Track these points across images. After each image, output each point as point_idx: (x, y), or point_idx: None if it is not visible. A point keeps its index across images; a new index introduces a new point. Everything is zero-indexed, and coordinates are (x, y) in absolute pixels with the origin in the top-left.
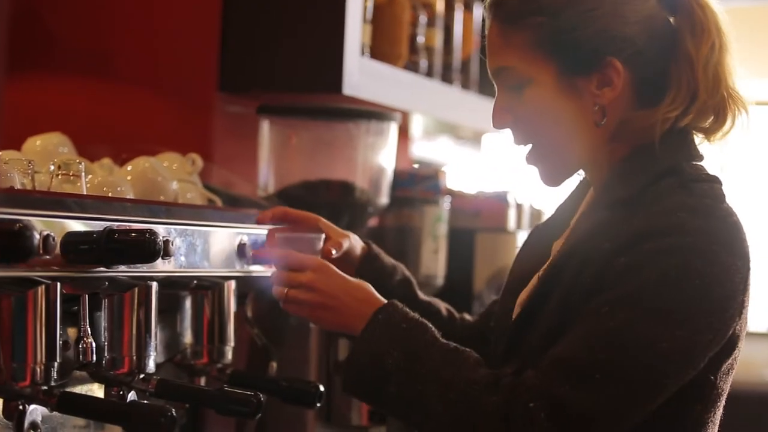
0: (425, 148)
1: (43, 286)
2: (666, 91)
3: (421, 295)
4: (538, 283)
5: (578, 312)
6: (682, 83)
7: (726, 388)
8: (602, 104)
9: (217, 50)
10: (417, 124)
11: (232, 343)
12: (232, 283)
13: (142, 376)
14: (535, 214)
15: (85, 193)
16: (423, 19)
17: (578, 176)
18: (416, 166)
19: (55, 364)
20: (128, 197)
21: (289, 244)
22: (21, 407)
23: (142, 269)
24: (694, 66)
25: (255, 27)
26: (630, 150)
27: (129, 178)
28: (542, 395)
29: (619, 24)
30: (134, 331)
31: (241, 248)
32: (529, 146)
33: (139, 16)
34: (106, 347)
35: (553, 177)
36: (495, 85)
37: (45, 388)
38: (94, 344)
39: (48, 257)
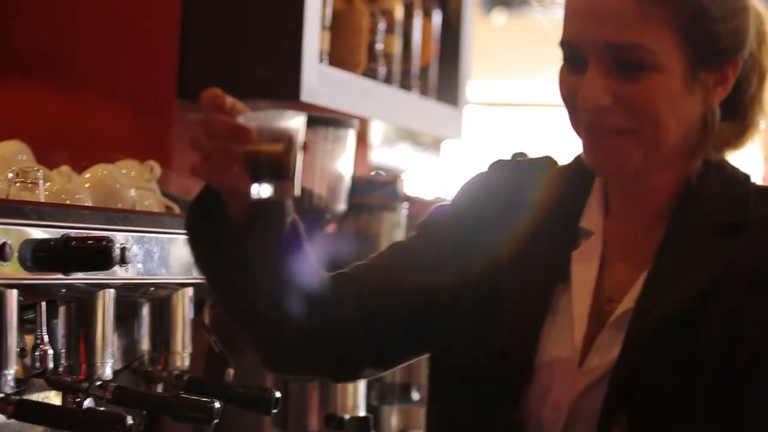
0: (384, 155)
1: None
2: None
3: None
4: (657, 328)
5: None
6: (756, 99)
7: None
8: (712, 104)
9: (176, 57)
10: (376, 131)
11: (189, 350)
12: (190, 290)
13: (99, 383)
14: None
15: (43, 200)
16: (382, 26)
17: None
18: (374, 173)
19: (12, 372)
20: (86, 205)
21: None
22: None
23: (99, 276)
24: (764, 81)
25: (214, 34)
26: (703, 164)
27: (87, 185)
28: None
29: (748, 24)
30: (91, 338)
31: None
32: (624, 130)
33: (98, 23)
34: (63, 354)
35: (630, 167)
36: (591, 60)
37: (2, 395)
38: (51, 351)
39: (5, 264)
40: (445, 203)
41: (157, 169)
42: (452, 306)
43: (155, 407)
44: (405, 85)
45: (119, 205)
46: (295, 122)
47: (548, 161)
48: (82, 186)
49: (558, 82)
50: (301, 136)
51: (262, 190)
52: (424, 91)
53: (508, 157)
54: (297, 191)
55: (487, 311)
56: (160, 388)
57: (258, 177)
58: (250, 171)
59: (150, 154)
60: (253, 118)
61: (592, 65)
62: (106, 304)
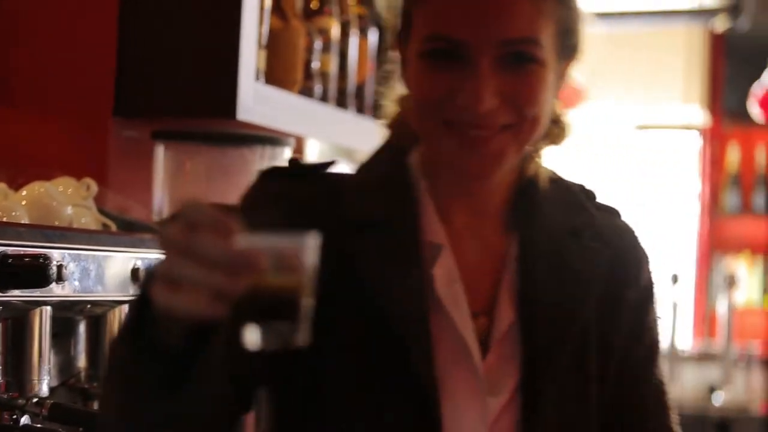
0: None
1: None
2: None
3: None
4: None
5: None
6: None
7: None
8: (557, 98)
9: (112, 74)
10: (312, 149)
11: None
12: (126, 308)
13: (35, 400)
14: None
15: None
16: (318, 44)
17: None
18: None
19: None
20: (23, 222)
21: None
22: None
23: (35, 294)
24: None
25: (150, 52)
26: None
27: (24, 203)
28: None
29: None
30: (28, 355)
31: (135, 272)
32: (506, 127)
33: (34, 39)
34: None
35: (506, 165)
36: (481, 58)
37: None
38: None
39: None
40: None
41: (94, 187)
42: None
43: (91, 424)
44: (341, 103)
45: (56, 223)
46: (307, 243)
47: (337, 167)
48: (18, 203)
49: (415, 80)
50: (314, 261)
51: (260, 337)
52: (360, 109)
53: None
54: (307, 339)
55: (367, 356)
56: (96, 405)
57: (258, 319)
58: (248, 311)
59: (86, 171)
60: (253, 239)
61: (482, 63)
62: (42, 321)
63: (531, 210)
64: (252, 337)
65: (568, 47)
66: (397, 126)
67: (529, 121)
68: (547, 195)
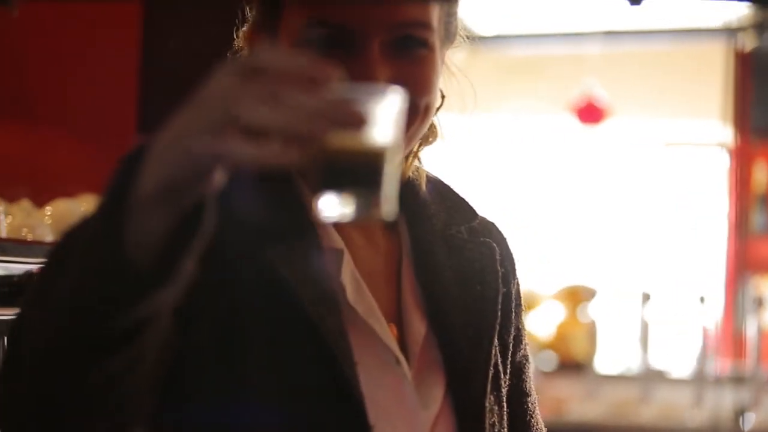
0: None
1: None
2: None
3: None
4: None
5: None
6: None
7: None
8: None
9: (135, 93)
10: None
11: None
12: None
13: None
14: None
15: (4, 236)
16: None
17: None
18: None
19: None
20: (47, 240)
21: None
22: None
23: None
24: None
25: (173, 68)
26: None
27: (48, 220)
28: None
29: None
30: None
31: None
32: None
33: (60, 61)
34: None
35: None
36: (370, 44)
37: None
38: None
39: None
40: None
41: None
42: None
43: None
44: None
45: None
46: (393, 101)
47: None
48: (42, 221)
49: None
50: (401, 121)
51: (339, 204)
52: None
53: None
54: (390, 210)
55: (291, 372)
56: None
57: (337, 185)
58: (326, 174)
59: None
60: (341, 89)
61: (371, 50)
62: None
63: (416, 209)
64: (328, 206)
65: (450, 32)
66: None
67: (422, 111)
68: (430, 194)
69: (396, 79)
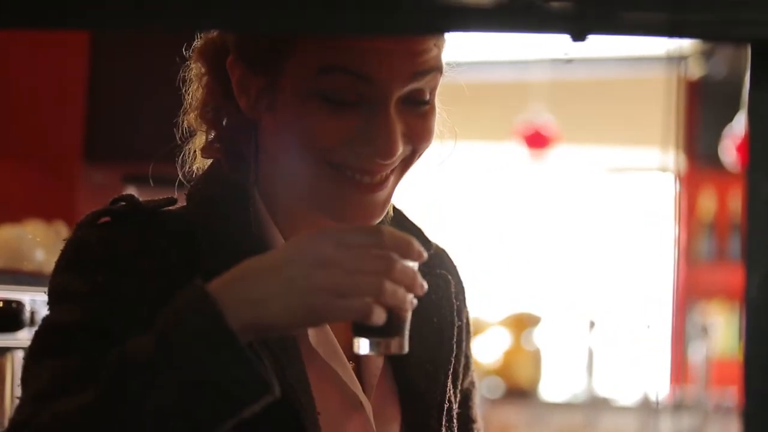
0: None
1: None
2: None
3: None
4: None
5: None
6: None
7: None
8: None
9: (81, 119)
10: None
11: None
12: None
13: None
14: None
15: None
16: None
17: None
18: None
19: None
20: None
21: None
22: None
23: (6, 339)
24: None
25: (120, 96)
26: None
27: None
28: None
29: None
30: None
31: None
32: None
33: (6, 86)
34: None
35: (390, 201)
36: (389, 100)
37: None
38: None
39: None
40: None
41: (64, 231)
42: None
43: None
44: None
45: (26, 266)
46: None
47: (171, 204)
48: None
49: (306, 120)
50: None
51: (370, 346)
52: None
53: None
54: (405, 348)
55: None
56: None
57: (367, 331)
58: (362, 324)
59: (56, 214)
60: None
61: (390, 104)
62: (14, 366)
63: None
64: (361, 346)
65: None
66: (228, 156)
67: (418, 155)
68: (389, 222)
69: (406, 133)
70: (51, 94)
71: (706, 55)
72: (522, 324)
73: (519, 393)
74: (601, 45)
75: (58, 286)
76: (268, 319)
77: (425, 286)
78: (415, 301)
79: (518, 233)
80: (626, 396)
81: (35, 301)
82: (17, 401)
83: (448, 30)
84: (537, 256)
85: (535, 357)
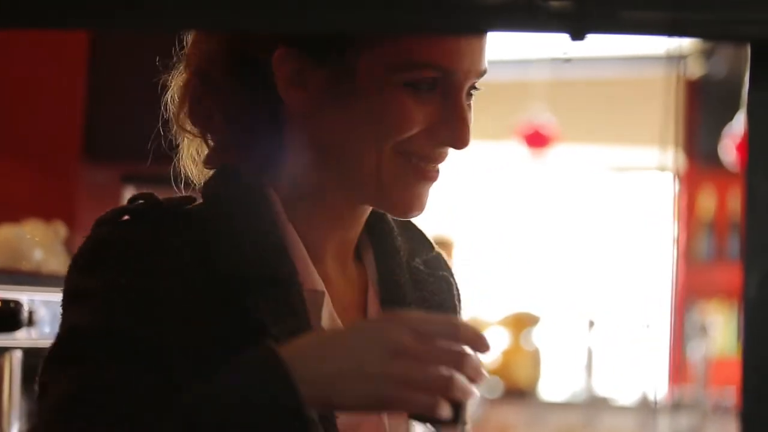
0: None
1: None
2: None
3: None
4: None
5: None
6: None
7: None
8: None
9: (80, 119)
10: None
11: None
12: None
13: None
14: None
15: None
16: None
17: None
18: None
19: None
20: None
21: None
22: None
23: (5, 338)
24: None
25: (119, 95)
26: None
27: None
28: None
29: None
30: None
31: None
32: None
33: (5, 86)
34: None
35: None
36: (461, 92)
37: None
38: None
39: None
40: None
41: (63, 230)
42: None
43: None
44: None
45: (24, 266)
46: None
47: (190, 203)
48: None
49: (401, 115)
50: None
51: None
52: None
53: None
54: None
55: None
56: None
57: (427, 419)
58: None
59: (55, 214)
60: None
61: (462, 96)
62: (12, 366)
63: (385, 239)
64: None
65: None
66: (246, 157)
67: None
68: (395, 224)
69: None
70: (50, 94)
71: (707, 55)
72: (521, 324)
73: (518, 393)
74: (601, 44)
75: (78, 287)
76: (336, 399)
77: (486, 375)
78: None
79: (518, 233)
80: (625, 396)
81: (33, 301)
82: (31, 406)
83: (449, 30)
84: (536, 256)
85: (534, 357)
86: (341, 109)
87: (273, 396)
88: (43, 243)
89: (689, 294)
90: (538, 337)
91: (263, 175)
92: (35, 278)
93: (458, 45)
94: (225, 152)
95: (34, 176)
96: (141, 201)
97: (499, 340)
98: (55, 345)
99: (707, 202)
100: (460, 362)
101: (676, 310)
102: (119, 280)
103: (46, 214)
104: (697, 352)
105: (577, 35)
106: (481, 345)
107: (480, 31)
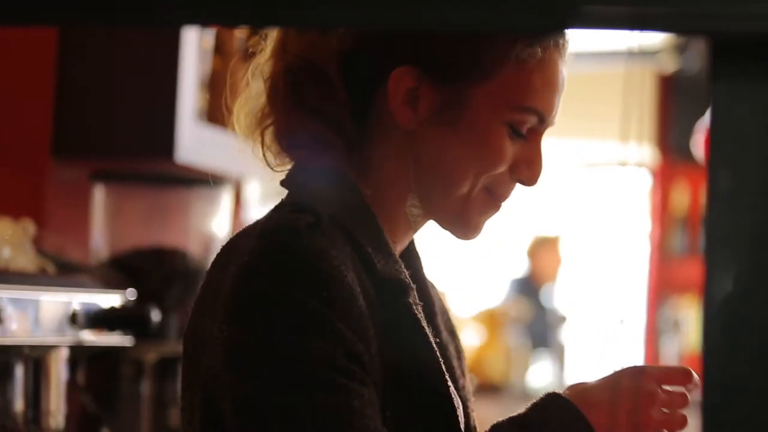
0: (262, 214)
1: None
2: None
3: None
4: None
5: None
6: None
7: None
8: None
9: (50, 114)
10: (252, 190)
11: (63, 411)
12: (64, 351)
13: None
14: None
15: None
16: None
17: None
18: None
19: None
20: None
21: None
22: None
23: None
24: None
25: (89, 92)
26: None
27: None
28: None
29: None
30: None
31: (73, 316)
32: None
33: None
34: None
35: None
36: (541, 133)
37: None
38: None
39: None
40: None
41: (31, 228)
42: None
43: None
44: None
45: None
46: None
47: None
48: None
49: (501, 151)
50: None
51: None
52: None
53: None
54: None
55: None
56: None
57: None
58: None
59: (24, 212)
60: None
61: (541, 138)
62: None
63: (412, 244)
64: None
65: None
66: (335, 152)
67: None
68: None
69: None
70: (18, 91)
71: (680, 50)
72: (494, 320)
73: (491, 388)
74: (576, 39)
75: (290, 303)
76: None
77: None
78: None
79: (492, 227)
80: None
81: (1, 299)
82: None
83: (430, 28)
84: (512, 251)
85: (508, 352)
86: (445, 134)
87: None
88: (11, 241)
89: (662, 289)
90: (511, 332)
91: (359, 178)
92: (3, 276)
93: (553, 96)
94: (322, 149)
95: (2, 174)
96: (309, 213)
97: (472, 337)
98: (288, 370)
99: (680, 197)
100: (687, 404)
101: (649, 305)
102: (334, 296)
103: (15, 211)
104: (670, 347)
105: (540, 31)
106: (695, 386)
107: (447, 29)
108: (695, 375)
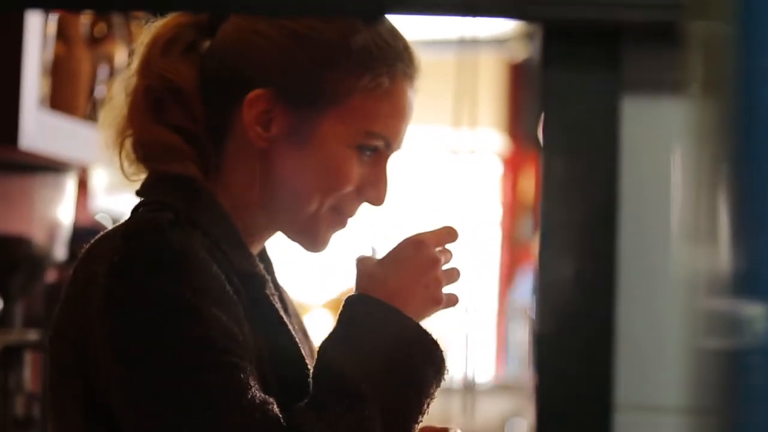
0: (109, 201)
1: None
2: None
3: None
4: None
5: None
6: None
7: None
8: None
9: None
10: (99, 178)
11: None
12: None
13: None
14: None
15: None
16: (103, 71)
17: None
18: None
19: None
20: None
21: None
22: None
23: None
24: None
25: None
26: None
27: None
28: None
29: None
30: None
31: None
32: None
33: None
34: None
35: None
36: (387, 158)
37: None
38: None
39: None
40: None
41: None
42: None
43: None
44: None
45: None
46: None
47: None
48: None
49: (346, 174)
50: None
51: None
52: None
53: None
54: None
55: None
56: None
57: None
58: None
59: None
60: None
61: (387, 161)
62: None
63: (266, 258)
64: None
65: None
66: (190, 163)
67: None
68: None
69: None
70: None
71: (530, 37)
72: None
73: None
74: (427, 27)
75: (165, 296)
76: (409, 310)
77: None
78: None
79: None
80: (449, 378)
81: None
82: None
83: (257, 11)
84: (367, 237)
85: None
86: (295, 155)
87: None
88: None
89: (512, 275)
90: None
91: (214, 189)
92: None
93: (400, 123)
94: (175, 159)
95: None
96: (167, 211)
97: (322, 323)
98: (174, 360)
99: (530, 184)
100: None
101: (500, 291)
102: (201, 285)
103: None
104: (518, 333)
105: (371, 17)
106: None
107: (276, 13)
108: (458, 230)
